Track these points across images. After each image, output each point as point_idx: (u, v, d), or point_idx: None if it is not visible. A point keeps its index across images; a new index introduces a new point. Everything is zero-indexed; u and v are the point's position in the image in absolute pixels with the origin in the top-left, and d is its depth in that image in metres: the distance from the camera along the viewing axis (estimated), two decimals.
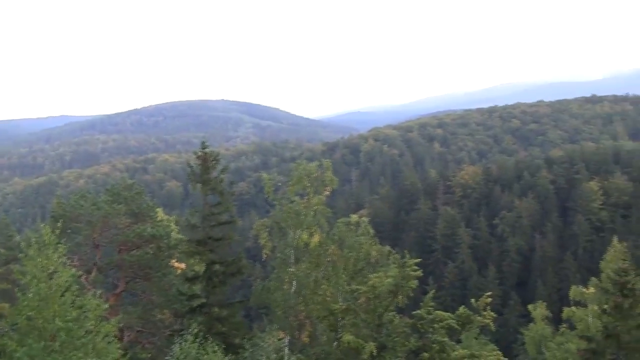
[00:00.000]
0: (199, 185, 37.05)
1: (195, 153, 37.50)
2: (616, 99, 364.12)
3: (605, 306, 35.32)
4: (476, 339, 52.72)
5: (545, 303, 68.04)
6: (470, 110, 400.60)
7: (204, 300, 36.48)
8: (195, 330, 27.80)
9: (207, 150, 37.24)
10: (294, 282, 43.41)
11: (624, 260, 48.07)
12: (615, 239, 64.92)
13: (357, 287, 41.92)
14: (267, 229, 47.84)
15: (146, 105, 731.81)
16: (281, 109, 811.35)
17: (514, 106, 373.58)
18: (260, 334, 35.15)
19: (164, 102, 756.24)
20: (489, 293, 42.90)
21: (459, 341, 46.55)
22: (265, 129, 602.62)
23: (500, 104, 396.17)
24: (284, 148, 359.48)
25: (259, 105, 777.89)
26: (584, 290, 58.50)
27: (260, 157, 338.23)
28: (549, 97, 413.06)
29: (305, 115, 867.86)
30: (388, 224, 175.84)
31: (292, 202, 45.13)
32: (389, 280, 40.25)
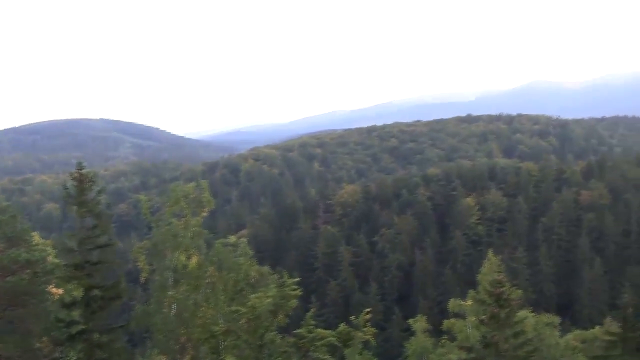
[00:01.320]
0: (75, 208, 34.19)
1: (71, 174, 34.71)
2: (490, 119, 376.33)
3: (483, 317, 35.78)
4: (360, 354, 51.04)
5: (425, 316, 67.01)
6: (349, 129, 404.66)
7: (83, 327, 34.02)
8: (75, 358, 27.87)
9: (83, 170, 34.67)
10: (174, 305, 42.79)
11: (499, 272, 48.63)
12: (490, 252, 64.77)
13: (238, 308, 40.85)
14: (145, 252, 46.52)
15: (24, 123, 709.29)
16: (161, 128, 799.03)
17: (392, 125, 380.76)
18: (141, 358, 32.92)
19: (43, 120, 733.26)
20: (369, 309, 42.19)
21: (342, 358, 45.44)
22: (145, 149, 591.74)
23: (379, 123, 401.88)
24: (163, 168, 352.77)
25: (138, 124, 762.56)
26: (462, 302, 59.12)
27: (140, 177, 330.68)
28: (426, 117, 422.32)
29: (186, 135, 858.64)
30: (269, 244, 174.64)
31: (169, 223, 44.36)
32: (269, 300, 39.46)
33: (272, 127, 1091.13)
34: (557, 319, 63.46)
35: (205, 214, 46.37)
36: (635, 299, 66.62)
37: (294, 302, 39.70)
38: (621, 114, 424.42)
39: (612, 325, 58.89)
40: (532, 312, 60.27)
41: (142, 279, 47.69)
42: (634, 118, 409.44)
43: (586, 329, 74.77)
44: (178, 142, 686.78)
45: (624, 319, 39.79)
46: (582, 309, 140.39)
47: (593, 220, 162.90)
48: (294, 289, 39.87)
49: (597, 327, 66.08)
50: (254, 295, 41.04)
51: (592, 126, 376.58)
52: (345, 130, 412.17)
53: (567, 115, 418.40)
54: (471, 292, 58.40)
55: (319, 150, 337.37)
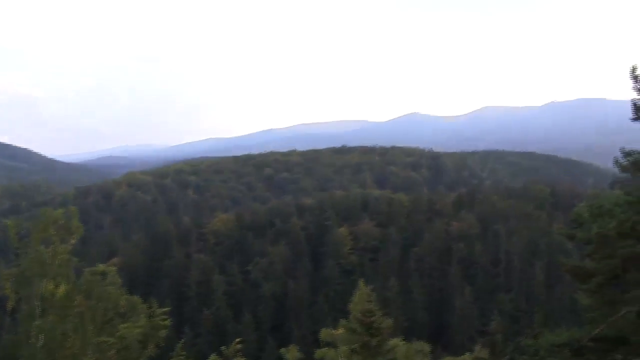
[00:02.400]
0: None
1: None
2: (365, 150, 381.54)
3: (354, 346, 35.97)
4: None
5: (299, 345, 65.70)
6: (225, 157, 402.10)
7: None
8: None
9: None
10: (41, 336, 39.39)
11: (370, 301, 48.09)
12: (361, 282, 64.43)
13: (106, 338, 39.18)
14: (12, 279, 43.15)
15: None
16: (33, 150, 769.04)
17: (267, 155, 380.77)
18: None
19: None
20: (240, 339, 42.44)
21: None
22: (16, 171, 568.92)
23: (256, 151, 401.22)
24: (34, 191, 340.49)
25: (9, 145, 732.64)
26: (334, 331, 57.60)
27: (10, 201, 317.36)
28: (302, 147, 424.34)
29: (58, 157, 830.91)
30: (142, 272, 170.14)
31: (37, 250, 41.05)
32: (139, 330, 38.69)
33: (148, 152, 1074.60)
34: (428, 346, 63.54)
35: (74, 241, 44.33)
36: (503, 325, 67.58)
37: (164, 332, 38.90)
38: (491, 148, 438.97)
39: (481, 351, 59.29)
40: (404, 340, 60.06)
41: (8, 308, 45.71)
42: (503, 152, 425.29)
43: (457, 355, 75.39)
44: (51, 165, 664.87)
45: (492, 345, 40.06)
46: (453, 335, 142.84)
47: (463, 249, 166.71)
48: (164, 319, 39.17)
49: (467, 354, 66.63)
50: (123, 326, 39.75)
51: (463, 159, 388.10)
52: (221, 157, 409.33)
53: (440, 148, 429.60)
54: (343, 322, 57.88)
55: (193, 178, 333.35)
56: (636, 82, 21.10)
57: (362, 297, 60.36)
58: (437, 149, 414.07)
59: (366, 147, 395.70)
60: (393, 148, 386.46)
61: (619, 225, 19.53)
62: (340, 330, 56.34)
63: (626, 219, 19.67)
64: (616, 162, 22.33)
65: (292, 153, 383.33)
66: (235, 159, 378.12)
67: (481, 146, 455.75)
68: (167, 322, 39.01)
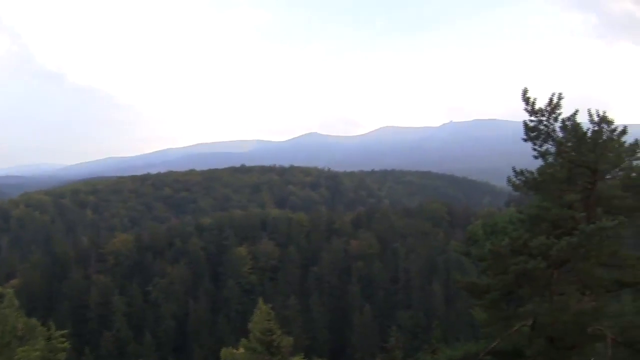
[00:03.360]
0: None
1: None
2: (263, 170, 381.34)
3: None
4: None
5: None
6: (123, 177, 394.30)
7: None
8: None
9: None
10: None
11: (270, 320, 47.69)
12: (261, 301, 64.19)
13: None
14: None
15: None
16: None
17: (166, 174, 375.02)
18: None
19: None
20: None
21: None
22: None
23: (155, 171, 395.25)
24: None
25: None
26: (235, 351, 57.23)
27: None
28: (201, 166, 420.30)
29: None
30: (41, 294, 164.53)
31: None
32: (37, 353, 37.98)
33: (46, 172, 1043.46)
34: None
35: None
36: (403, 341, 68.49)
37: (64, 355, 38.74)
38: (389, 167, 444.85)
39: None
40: (304, 358, 60.14)
41: None
42: (401, 171, 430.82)
43: None
44: None
45: None
46: (354, 353, 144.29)
47: (362, 268, 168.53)
48: (63, 341, 39.00)
49: None
50: (21, 349, 39.05)
51: (361, 178, 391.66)
52: (119, 177, 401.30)
53: (339, 167, 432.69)
54: (243, 341, 57.77)
55: (92, 197, 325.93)
56: (527, 104, 22.01)
57: (261, 316, 60.19)
58: (336, 168, 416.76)
59: (265, 166, 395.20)
60: (292, 167, 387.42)
61: (511, 242, 20.23)
62: (241, 350, 56.21)
63: (518, 236, 20.40)
64: (509, 181, 23.16)
65: (191, 172, 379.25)
66: (134, 178, 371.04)
67: (379, 166, 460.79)
68: (66, 345, 39.01)
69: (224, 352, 58.99)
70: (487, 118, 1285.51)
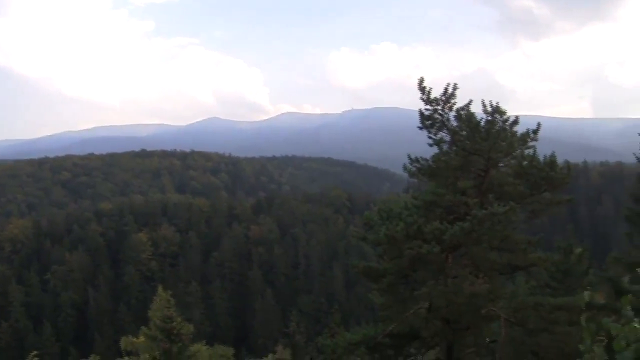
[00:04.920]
0: None
1: None
2: (164, 154, 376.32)
3: (156, 353, 36.31)
4: None
5: (100, 356, 63.78)
6: (20, 160, 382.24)
7: None
8: None
9: None
10: None
11: (169, 307, 47.26)
12: (160, 288, 63.73)
13: None
14: None
15: None
16: None
17: (64, 158, 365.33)
18: None
19: None
20: (36, 352, 40.95)
21: None
22: None
23: (52, 155, 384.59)
24: None
25: None
26: (135, 339, 56.51)
27: None
28: (101, 150, 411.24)
29: None
30: None
31: None
32: None
33: None
34: (231, 350, 63.86)
35: None
36: (304, 326, 69.13)
37: None
38: (290, 153, 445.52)
39: (283, 352, 60.50)
40: (206, 345, 60.06)
41: None
42: (302, 158, 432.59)
43: (260, 357, 76.42)
44: None
45: (293, 346, 40.99)
46: (257, 338, 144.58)
47: (263, 253, 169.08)
48: None
49: (270, 355, 67.70)
50: None
51: (262, 165, 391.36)
52: (16, 161, 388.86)
53: (240, 153, 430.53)
54: (143, 329, 57.14)
55: None
56: (423, 93, 22.63)
57: (161, 303, 59.68)
58: (237, 153, 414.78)
59: (166, 151, 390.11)
60: (193, 152, 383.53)
61: (406, 227, 20.79)
62: (142, 338, 55.56)
63: (413, 221, 20.98)
64: (405, 168, 23.77)
65: (90, 157, 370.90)
66: (31, 162, 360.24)
67: (280, 152, 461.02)
68: None
69: (124, 340, 58.12)
70: (387, 106, 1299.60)
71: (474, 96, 23.14)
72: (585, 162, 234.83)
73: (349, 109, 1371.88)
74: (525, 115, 28.64)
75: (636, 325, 5.96)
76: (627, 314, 6.09)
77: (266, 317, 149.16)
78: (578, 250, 44.86)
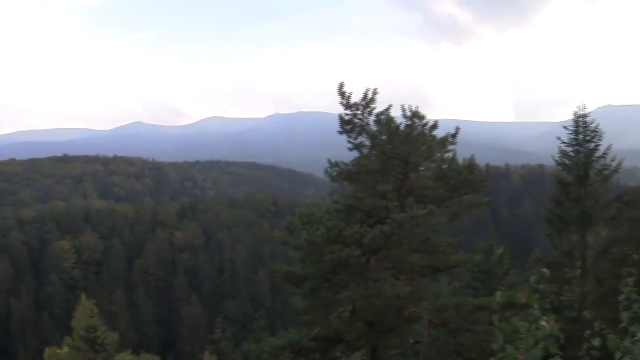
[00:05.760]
0: None
1: None
2: (87, 159, 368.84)
3: None
4: None
5: None
6: None
7: None
8: None
9: None
10: None
11: (93, 316, 46.44)
12: (83, 297, 62.46)
13: None
14: None
15: None
16: None
17: None
18: None
19: None
20: None
21: None
22: None
23: None
24: None
25: None
26: (59, 350, 55.35)
27: None
28: (21, 156, 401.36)
29: None
30: None
31: None
32: None
33: None
34: (157, 358, 63.25)
35: None
36: (231, 332, 68.90)
37: None
38: (215, 158, 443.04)
39: (210, 358, 60.06)
40: (132, 353, 59.30)
41: None
42: (226, 163, 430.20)
43: None
44: None
45: (219, 352, 40.71)
46: (183, 345, 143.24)
47: (188, 259, 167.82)
48: None
49: None
50: None
51: (186, 169, 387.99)
52: None
53: (164, 158, 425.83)
54: (67, 339, 56.24)
55: None
56: (343, 98, 22.80)
57: (84, 312, 58.77)
58: (161, 158, 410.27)
59: (89, 156, 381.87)
60: (116, 157, 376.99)
61: (327, 231, 20.91)
62: (65, 349, 54.59)
63: (334, 225, 21.11)
64: (326, 172, 23.93)
65: (10, 162, 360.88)
66: None
67: (205, 156, 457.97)
68: None
69: (47, 352, 56.92)
70: (312, 110, 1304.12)
71: (397, 100, 23.45)
72: (506, 165, 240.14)
73: (274, 113, 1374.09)
74: (448, 119, 29.17)
75: (544, 323, 6.14)
76: (535, 312, 6.22)
77: (192, 323, 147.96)
78: (499, 251, 45.92)
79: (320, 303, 23.75)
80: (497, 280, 43.26)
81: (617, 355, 6.36)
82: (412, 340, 25.19)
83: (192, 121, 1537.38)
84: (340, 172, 23.66)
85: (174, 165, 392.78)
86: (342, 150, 24.17)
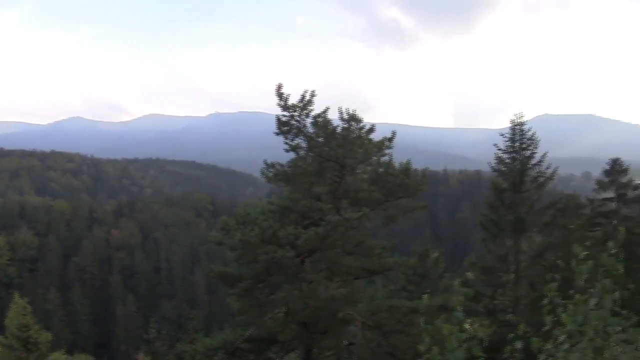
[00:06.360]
0: None
1: None
2: (23, 154, 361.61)
3: None
4: None
5: None
6: None
7: None
8: None
9: None
10: None
11: (26, 315, 45.61)
12: (16, 295, 61.41)
13: None
14: None
15: None
16: None
17: None
18: None
19: None
20: None
21: None
22: None
23: None
24: None
25: None
26: None
27: None
28: None
29: None
30: None
31: None
32: None
33: None
34: (91, 358, 62.41)
35: None
36: (166, 332, 68.34)
37: None
38: (153, 156, 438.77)
39: (145, 358, 59.48)
40: (66, 353, 58.45)
41: None
42: (165, 161, 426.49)
43: None
44: None
45: (153, 352, 40.35)
46: (119, 345, 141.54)
47: (124, 258, 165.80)
48: None
49: None
50: None
51: (125, 167, 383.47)
52: None
53: (103, 155, 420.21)
54: (0, 338, 55.34)
55: None
56: (281, 99, 22.82)
57: (17, 311, 57.92)
58: (99, 155, 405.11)
59: (25, 150, 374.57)
60: (53, 153, 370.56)
61: (261, 232, 20.90)
62: None
63: (268, 226, 21.12)
64: (262, 173, 23.94)
65: None
66: None
67: (144, 154, 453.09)
68: None
69: None
70: (253, 110, 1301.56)
71: (338, 103, 23.78)
72: (445, 170, 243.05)
73: (214, 112, 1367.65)
74: (389, 124, 29.41)
75: (467, 326, 6.26)
76: (458, 315, 6.34)
77: (127, 323, 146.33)
78: (434, 254, 46.46)
79: (254, 304, 23.71)
80: (432, 283, 43.76)
81: (541, 357, 6.52)
82: (346, 342, 25.29)
83: (132, 118, 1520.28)
84: (277, 174, 23.70)
85: (112, 162, 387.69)
86: (282, 152, 24.20)
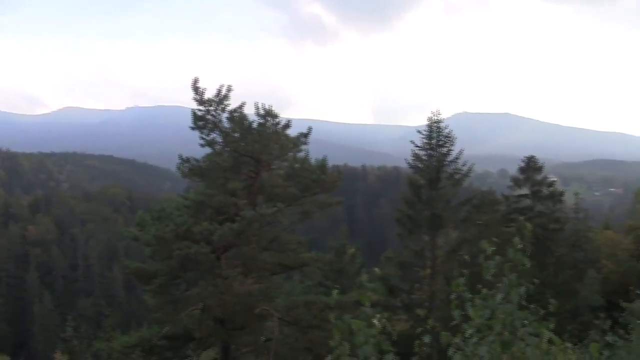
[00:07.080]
0: None
1: None
2: None
3: None
4: None
5: None
6: None
7: None
8: None
9: None
10: None
11: None
12: None
13: None
14: None
15: None
16: None
17: None
18: None
19: None
20: None
21: None
22: None
23: None
24: None
25: None
26: None
27: None
28: None
29: None
30: None
31: None
32: None
33: None
34: (8, 358, 61.08)
35: None
36: (84, 330, 67.27)
37: None
38: (70, 150, 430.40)
39: (61, 358, 58.49)
40: None
41: None
42: (82, 155, 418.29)
43: None
44: None
45: (70, 351, 39.70)
46: (36, 345, 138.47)
47: (41, 255, 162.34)
48: None
49: None
50: None
51: (41, 161, 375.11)
52: None
53: (18, 148, 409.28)
54: None
55: None
56: (197, 93, 22.66)
57: None
58: (14, 148, 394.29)
59: None
60: None
61: (176, 227, 20.76)
62: None
63: (183, 222, 20.98)
64: (177, 168, 23.76)
65: None
66: None
67: (60, 148, 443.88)
68: None
69: None
70: (171, 104, 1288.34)
71: (258, 99, 23.59)
72: (364, 166, 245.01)
73: (132, 105, 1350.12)
74: (308, 120, 29.49)
75: (375, 321, 6.26)
76: (366, 311, 6.36)
77: (44, 322, 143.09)
78: (351, 250, 46.84)
79: (169, 300, 23.52)
80: (349, 279, 44.13)
81: (451, 351, 6.60)
82: (263, 338, 25.31)
83: (48, 111, 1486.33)
84: (192, 169, 23.56)
85: (28, 156, 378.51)
86: (200, 147, 24.04)
